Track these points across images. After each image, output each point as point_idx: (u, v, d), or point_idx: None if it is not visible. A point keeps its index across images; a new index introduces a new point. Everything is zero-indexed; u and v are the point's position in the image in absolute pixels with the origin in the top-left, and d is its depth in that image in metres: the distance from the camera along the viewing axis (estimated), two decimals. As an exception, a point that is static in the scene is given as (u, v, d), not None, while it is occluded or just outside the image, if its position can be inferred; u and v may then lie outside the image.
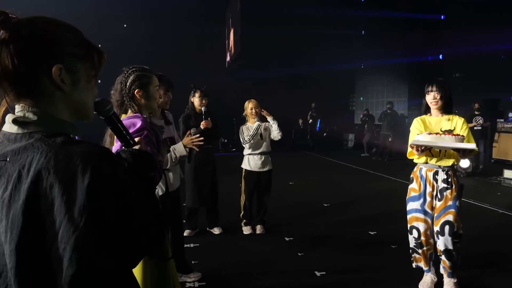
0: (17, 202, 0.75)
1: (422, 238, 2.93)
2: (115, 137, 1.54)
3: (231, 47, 15.09)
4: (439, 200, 2.86)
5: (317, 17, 14.31)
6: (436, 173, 2.86)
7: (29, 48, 0.81)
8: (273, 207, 4.71)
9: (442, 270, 2.97)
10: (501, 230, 4.77)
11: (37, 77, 0.83)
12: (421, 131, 2.93)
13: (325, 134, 14.43)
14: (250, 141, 4.24)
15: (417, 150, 2.75)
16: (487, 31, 11.62)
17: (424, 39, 14.48)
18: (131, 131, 1.53)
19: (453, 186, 2.84)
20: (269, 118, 4.31)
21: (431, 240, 2.94)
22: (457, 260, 2.88)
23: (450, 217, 2.82)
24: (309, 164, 10.60)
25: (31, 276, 0.75)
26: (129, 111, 1.86)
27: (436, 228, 2.86)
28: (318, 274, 3.38)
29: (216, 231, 4.39)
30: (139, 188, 0.94)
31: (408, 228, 3.01)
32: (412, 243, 3.02)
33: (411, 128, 3.03)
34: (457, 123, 2.87)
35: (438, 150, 2.83)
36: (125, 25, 13.77)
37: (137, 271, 1.76)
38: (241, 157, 4.49)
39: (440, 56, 14.74)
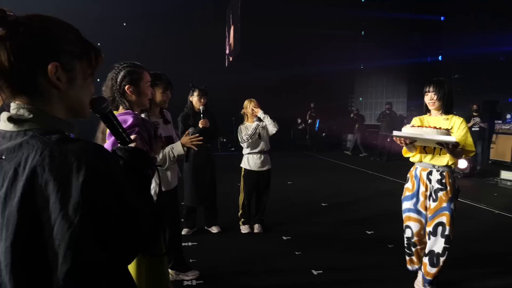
0: (13, 200, 0.76)
1: (415, 238, 2.93)
2: (107, 134, 1.55)
3: (231, 46, 15.09)
4: (434, 200, 2.83)
5: (317, 17, 14.33)
6: (430, 173, 2.85)
7: (25, 45, 0.82)
8: (272, 207, 4.73)
9: (419, 280, 2.96)
10: (497, 231, 4.79)
11: (33, 74, 0.83)
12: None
13: (324, 134, 14.45)
14: (248, 140, 4.25)
15: (402, 144, 2.73)
16: (486, 33, 11.65)
17: (424, 40, 14.50)
18: None
19: (448, 188, 2.80)
20: (260, 113, 4.26)
21: (425, 239, 2.94)
22: (439, 269, 2.83)
23: (443, 219, 2.80)
24: (308, 164, 10.62)
25: (27, 273, 0.75)
26: (120, 107, 1.86)
27: (429, 229, 2.85)
28: (315, 272, 3.39)
29: (214, 230, 4.40)
30: (134, 185, 0.96)
31: (403, 227, 3.02)
32: (405, 242, 3.02)
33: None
34: (455, 122, 2.84)
35: (432, 147, 2.81)
36: (124, 24, 13.78)
37: (131, 267, 1.77)
38: (240, 157, 4.51)
39: (440, 57, 14.76)
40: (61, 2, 10.94)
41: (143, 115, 2.46)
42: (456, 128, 2.82)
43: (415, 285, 3.05)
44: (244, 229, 4.43)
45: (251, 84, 13.31)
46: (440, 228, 2.81)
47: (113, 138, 1.17)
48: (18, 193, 0.75)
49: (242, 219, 4.46)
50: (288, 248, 4.01)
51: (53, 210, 0.74)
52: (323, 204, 5.84)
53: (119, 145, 1.13)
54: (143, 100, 1.91)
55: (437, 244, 2.82)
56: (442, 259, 2.82)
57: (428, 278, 2.88)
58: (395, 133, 2.71)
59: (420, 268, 3.00)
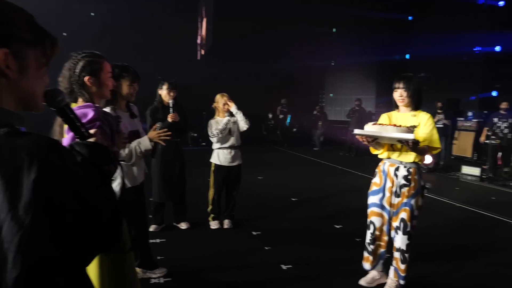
0: None
1: (377, 233, 2.96)
2: (66, 127, 1.47)
3: (203, 38, 14.89)
4: (397, 196, 2.87)
5: (290, 13, 14.35)
6: (397, 168, 2.87)
7: None
8: (242, 202, 4.71)
9: (391, 272, 2.98)
10: (459, 223, 4.98)
11: None
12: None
13: (295, 129, 14.55)
14: (218, 135, 4.21)
15: (365, 142, 2.74)
16: (450, 33, 12.05)
17: (393, 38, 14.84)
18: (82, 121, 1.47)
19: (412, 184, 2.84)
20: (233, 108, 4.24)
21: (385, 238, 2.97)
22: (408, 264, 2.89)
23: (404, 215, 2.84)
24: (278, 159, 10.67)
25: None
26: (80, 99, 1.77)
27: (396, 224, 2.89)
28: (284, 267, 3.41)
29: (183, 226, 4.34)
30: (93, 182, 0.91)
31: (367, 223, 3.03)
32: (367, 239, 3.04)
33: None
34: (422, 119, 2.85)
35: (400, 145, 2.83)
36: (92, 14, 13.31)
37: (92, 266, 1.70)
38: (210, 151, 4.46)
39: (407, 56, 15.16)
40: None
41: (108, 109, 2.38)
42: (423, 124, 2.84)
43: (360, 281, 3.06)
44: (214, 224, 4.39)
45: (223, 78, 13.22)
46: (402, 224, 2.86)
47: (72, 132, 1.11)
48: None
49: (212, 215, 4.43)
50: (258, 243, 4.02)
51: (1, 210, 0.68)
52: (293, 199, 5.89)
53: (77, 140, 1.07)
54: (104, 92, 1.82)
55: (401, 241, 2.88)
56: (407, 255, 2.88)
57: (402, 274, 2.92)
58: (356, 131, 2.73)
59: (373, 269, 3.05)
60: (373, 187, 3.02)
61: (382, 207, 2.94)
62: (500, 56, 11.68)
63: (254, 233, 4.31)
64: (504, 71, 11.59)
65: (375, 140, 2.77)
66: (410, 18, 15.16)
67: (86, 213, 0.77)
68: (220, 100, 4.28)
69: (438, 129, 3.21)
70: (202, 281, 3.18)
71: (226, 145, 4.29)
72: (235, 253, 3.73)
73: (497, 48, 11.76)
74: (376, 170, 3.05)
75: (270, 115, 14.73)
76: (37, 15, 0.87)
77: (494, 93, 11.82)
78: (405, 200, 2.86)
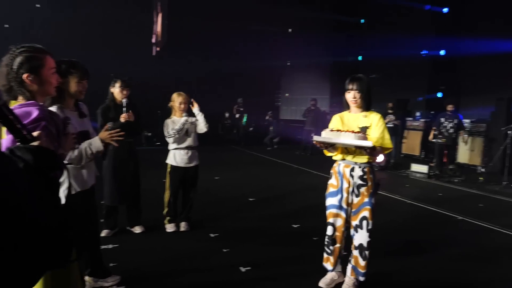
0: None
1: (337, 233, 2.99)
2: (5, 129, 1.32)
3: (158, 35, 14.48)
4: (356, 196, 2.92)
5: (246, 12, 14.32)
6: (352, 169, 2.92)
7: None
8: (198, 203, 4.60)
9: (349, 271, 3.02)
10: (410, 220, 5.18)
11: None
12: (338, 127, 2.96)
13: (251, 128, 14.56)
14: (175, 135, 4.09)
15: (322, 147, 2.78)
16: (399, 37, 12.58)
17: (346, 40, 15.26)
18: (25, 121, 1.31)
19: (369, 183, 2.91)
20: (195, 109, 4.18)
21: (344, 237, 3.01)
22: (368, 261, 2.95)
23: (366, 214, 2.90)
24: (235, 159, 10.62)
25: None
26: (20, 97, 1.61)
27: (355, 222, 2.94)
28: (243, 269, 3.36)
29: (138, 229, 4.16)
30: (39, 192, 0.80)
31: (327, 225, 3.05)
32: (327, 239, 3.06)
33: (329, 125, 3.04)
34: (374, 119, 2.91)
35: (353, 148, 2.87)
36: (38, 5, 12.51)
37: None
38: (166, 151, 4.31)
39: (360, 58, 15.65)
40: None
41: (54, 108, 2.21)
42: (375, 125, 2.90)
43: (319, 283, 3.07)
44: (170, 227, 4.26)
45: (179, 76, 12.94)
46: (364, 222, 2.93)
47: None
48: None
49: (168, 217, 4.29)
50: (215, 245, 3.94)
51: None
52: (250, 199, 5.86)
53: (18, 144, 0.95)
54: (47, 89, 1.67)
55: (363, 238, 2.94)
56: (367, 252, 2.94)
57: (362, 270, 2.97)
58: (315, 138, 2.75)
59: (334, 269, 3.08)
60: (330, 189, 3.04)
61: (340, 207, 2.98)
62: (445, 60, 12.36)
63: (211, 235, 4.23)
64: (448, 73, 12.28)
65: (332, 146, 2.80)
66: (362, 21, 15.66)
67: (27, 232, 0.67)
68: (176, 99, 4.15)
69: (389, 128, 3.30)
70: (158, 287, 3.06)
71: (183, 145, 4.17)
72: (193, 257, 3.64)
73: (442, 52, 12.43)
74: (331, 171, 3.07)
75: (227, 114, 14.65)
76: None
77: (439, 94, 12.48)
78: (365, 200, 2.92)
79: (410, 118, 11.77)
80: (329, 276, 3.12)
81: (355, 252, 2.98)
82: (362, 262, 2.96)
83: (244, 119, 14.02)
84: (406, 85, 13.04)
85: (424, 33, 12.62)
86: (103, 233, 3.92)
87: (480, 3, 11.48)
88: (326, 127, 2.98)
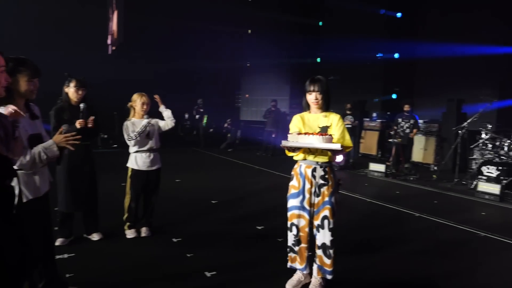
0: None
1: (301, 233, 2.98)
2: None
3: (114, 33, 13.98)
4: (317, 196, 2.93)
5: (205, 12, 14.18)
6: (314, 169, 2.93)
7: None
8: (159, 207, 4.44)
9: (315, 271, 3.03)
10: (370, 217, 5.31)
11: None
12: (299, 127, 2.98)
13: (211, 130, 14.41)
14: (136, 138, 3.93)
15: (288, 150, 2.79)
16: (356, 40, 12.95)
17: (305, 42, 15.50)
18: None
19: (330, 183, 2.94)
20: (162, 107, 4.12)
21: (308, 238, 3.00)
22: (333, 259, 2.97)
23: (327, 213, 2.92)
24: (196, 161, 10.46)
25: None
26: None
27: (317, 222, 2.95)
28: (208, 274, 3.28)
29: (95, 237, 3.95)
30: None
31: (288, 226, 3.03)
32: (290, 241, 3.04)
33: (290, 125, 3.05)
34: (333, 120, 2.95)
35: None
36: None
37: None
38: (123, 154, 4.14)
39: (318, 59, 15.94)
40: None
41: (2, 109, 2.03)
42: (335, 125, 2.94)
43: (287, 284, 3.06)
44: (130, 233, 4.08)
45: (136, 76, 12.57)
46: (326, 222, 2.94)
47: None
48: None
49: (128, 223, 4.10)
50: (179, 250, 3.82)
51: None
52: (213, 202, 5.76)
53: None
54: None
55: (326, 237, 2.95)
56: (331, 251, 2.95)
57: (328, 269, 2.98)
58: (284, 143, 2.74)
59: (304, 269, 3.07)
60: (292, 190, 3.03)
61: (302, 208, 2.97)
62: (399, 62, 12.87)
63: (174, 239, 4.10)
64: (401, 76, 12.80)
65: (298, 148, 2.81)
66: (320, 23, 15.97)
67: None
68: (138, 100, 3.99)
69: (348, 129, 3.34)
70: (119, 298, 2.92)
71: (145, 148, 4.01)
72: (155, 263, 3.50)
73: (396, 55, 12.92)
74: (293, 173, 3.06)
75: (186, 115, 14.42)
76: None
77: (394, 96, 12.97)
78: (326, 199, 2.93)
79: (367, 119, 12.14)
80: (296, 277, 3.11)
81: (319, 252, 2.99)
82: (327, 261, 2.97)
83: (205, 120, 13.84)
84: (363, 87, 13.45)
85: (379, 37, 13.09)
86: (58, 242, 3.69)
87: (432, 9, 12.06)
88: (287, 128, 3.00)
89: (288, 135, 2.82)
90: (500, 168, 6.92)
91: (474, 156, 8.22)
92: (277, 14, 15.05)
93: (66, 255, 3.54)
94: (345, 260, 3.54)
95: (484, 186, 6.59)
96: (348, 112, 9.77)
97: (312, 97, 2.96)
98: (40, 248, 2.36)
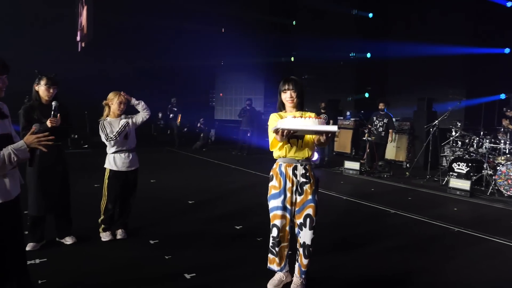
0: None
1: (281, 233, 2.95)
2: None
3: (84, 29, 13.57)
4: (300, 194, 2.91)
5: (178, 10, 13.98)
6: (295, 168, 2.91)
7: None
8: (135, 208, 4.30)
9: (296, 270, 3.02)
10: (347, 214, 5.37)
11: None
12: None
13: (185, 129, 14.23)
14: (116, 138, 3.80)
15: (282, 135, 2.61)
16: (329, 39, 13.10)
17: (279, 41, 15.55)
18: None
19: (311, 180, 2.93)
20: (133, 100, 3.98)
21: (288, 237, 2.99)
22: (310, 258, 2.97)
23: (310, 211, 2.91)
24: (170, 160, 10.29)
25: None
26: None
27: (300, 221, 2.93)
28: (188, 276, 3.21)
29: (68, 240, 3.80)
30: None
31: (270, 226, 2.99)
32: (270, 242, 3.01)
33: (269, 123, 2.98)
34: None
35: (296, 140, 2.87)
36: None
37: None
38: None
39: (292, 59, 16.03)
40: None
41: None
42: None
43: (268, 284, 3.05)
44: (105, 236, 3.95)
45: (106, 74, 12.26)
46: (308, 220, 2.93)
47: None
48: None
49: (103, 226, 3.97)
50: (156, 252, 3.73)
51: None
52: (190, 202, 5.67)
53: None
54: None
55: (307, 236, 2.93)
56: (311, 249, 2.95)
57: (304, 269, 2.98)
58: (281, 125, 2.57)
59: (281, 270, 3.05)
60: (272, 191, 2.98)
61: (284, 208, 2.94)
62: (371, 62, 13.11)
63: (151, 241, 4.00)
64: (374, 75, 13.04)
65: (294, 133, 2.68)
66: (294, 22, 16.06)
67: None
68: (115, 99, 3.86)
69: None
70: (95, 303, 2.81)
71: (124, 148, 3.90)
72: (132, 266, 3.40)
73: (368, 55, 13.15)
74: (272, 173, 3.01)
75: (160, 115, 14.18)
76: None
77: (366, 95, 13.20)
78: (309, 197, 2.92)
79: (341, 117, 12.31)
80: (277, 277, 3.09)
81: (301, 250, 2.98)
82: (304, 261, 2.97)
83: (178, 120, 13.66)
84: (336, 86, 13.63)
85: (351, 36, 13.29)
86: (29, 246, 3.52)
87: (402, 9, 12.34)
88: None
89: (279, 122, 2.64)
90: (469, 164, 7.16)
91: (445, 153, 8.48)
92: (251, 13, 15.03)
93: (37, 260, 3.38)
94: (324, 259, 3.56)
95: (455, 182, 6.80)
96: (322, 111, 9.86)
97: (287, 95, 2.94)
98: (12, 254, 2.23)
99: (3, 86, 2.18)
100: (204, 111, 15.53)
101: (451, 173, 7.36)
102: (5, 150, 2.02)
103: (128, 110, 4.03)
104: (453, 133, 7.85)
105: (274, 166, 3.02)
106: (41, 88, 3.47)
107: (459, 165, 7.31)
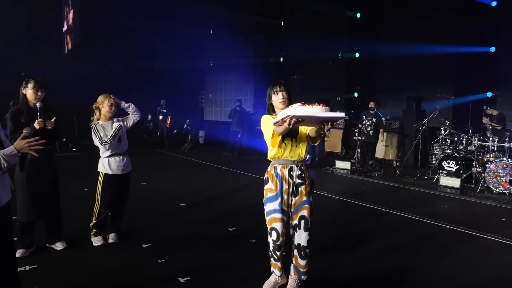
0: None
1: (281, 239, 2.91)
2: None
3: (70, 30, 13.39)
4: (295, 196, 2.90)
5: (166, 11, 13.90)
6: (291, 169, 2.89)
7: None
8: (126, 212, 4.25)
9: (292, 271, 3.01)
10: (339, 214, 5.38)
11: None
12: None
13: (175, 131, 14.14)
14: (111, 142, 3.75)
15: (289, 124, 2.50)
16: (318, 39, 13.16)
17: (267, 41, 15.56)
18: None
19: (307, 182, 2.92)
20: (123, 103, 3.93)
21: (283, 239, 2.96)
22: (308, 259, 2.96)
23: (305, 212, 2.90)
24: (161, 163, 10.21)
25: None
26: None
27: (295, 222, 2.92)
28: (182, 280, 3.17)
29: (59, 246, 3.73)
30: None
31: (268, 230, 2.96)
32: (271, 246, 2.98)
33: (265, 121, 2.94)
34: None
35: (290, 139, 2.85)
36: None
37: None
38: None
39: (281, 59, 16.05)
40: None
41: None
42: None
43: (264, 286, 3.02)
44: (97, 241, 3.88)
45: (94, 77, 12.12)
46: (303, 222, 2.91)
47: None
48: None
49: (95, 230, 3.91)
50: (149, 256, 3.68)
51: None
52: (181, 204, 5.62)
53: None
54: None
55: (302, 237, 2.92)
56: (307, 250, 2.94)
57: (302, 270, 2.97)
58: (295, 112, 2.42)
59: (281, 275, 3.04)
60: (268, 194, 2.94)
61: (282, 211, 2.91)
62: (359, 62, 13.19)
63: (144, 245, 3.95)
64: (363, 75, 13.13)
65: (301, 122, 2.58)
66: (282, 23, 16.09)
67: None
68: (106, 102, 3.80)
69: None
70: (88, 310, 2.76)
71: (119, 151, 3.86)
72: (125, 271, 3.35)
73: (357, 55, 13.23)
74: (267, 176, 2.98)
75: (149, 117, 14.07)
76: None
77: (355, 94, 13.27)
78: (304, 198, 2.91)
79: (331, 117, 12.33)
80: (273, 279, 3.07)
81: (295, 252, 2.97)
82: (302, 262, 2.96)
83: (168, 121, 13.57)
84: (326, 86, 13.69)
85: (340, 36, 13.36)
86: (18, 253, 3.44)
87: (389, 9, 12.45)
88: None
89: (281, 113, 2.56)
90: (459, 162, 7.24)
91: (435, 152, 8.56)
92: (240, 14, 15.01)
93: (27, 267, 3.31)
94: (318, 259, 3.55)
95: (445, 180, 6.86)
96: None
97: (279, 97, 2.92)
98: (4, 262, 2.17)
99: None
100: (193, 112, 15.45)
101: (441, 171, 7.43)
102: (-6, 156, 1.97)
103: (118, 113, 3.98)
104: (442, 132, 7.93)
105: (269, 168, 2.98)
106: (29, 91, 3.40)
107: (448, 163, 7.39)
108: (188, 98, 16.00)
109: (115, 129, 3.78)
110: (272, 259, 3.02)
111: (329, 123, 2.62)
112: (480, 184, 6.84)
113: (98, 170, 3.89)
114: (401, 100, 10.75)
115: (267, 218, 2.95)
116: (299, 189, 2.91)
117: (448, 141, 7.95)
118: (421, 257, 3.82)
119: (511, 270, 3.60)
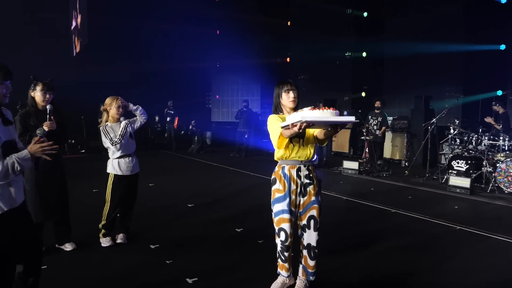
0: None
1: (290, 239, 2.90)
2: None
3: (79, 33, 13.50)
4: (303, 196, 2.89)
5: (172, 13, 13.95)
6: (299, 169, 2.87)
7: None
8: (134, 213, 4.28)
9: (300, 271, 3.00)
10: (348, 215, 5.34)
11: None
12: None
13: (182, 132, 14.18)
14: (121, 141, 3.78)
15: (299, 128, 2.45)
16: (325, 39, 13.10)
17: (274, 42, 15.54)
18: None
19: (315, 181, 2.91)
20: (131, 106, 3.97)
21: (292, 240, 2.94)
22: (317, 260, 2.95)
23: (314, 212, 2.89)
24: (169, 164, 10.24)
25: None
26: None
27: (303, 222, 2.91)
28: (190, 281, 3.18)
29: (68, 247, 3.76)
30: None
31: (276, 231, 2.94)
32: (279, 247, 2.96)
33: (272, 122, 2.89)
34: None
35: (297, 139, 2.83)
36: None
37: None
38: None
39: (288, 59, 16.02)
40: None
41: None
42: None
43: (272, 286, 3.01)
44: (106, 241, 3.91)
45: (102, 79, 12.21)
46: (312, 222, 2.90)
47: None
48: None
49: (103, 231, 3.93)
50: (157, 257, 3.69)
51: None
52: (189, 205, 5.64)
53: None
54: None
55: (312, 238, 2.91)
56: (316, 251, 2.93)
57: (311, 270, 2.96)
58: (305, 117, 2.38)
59: (289, 276, 3.02)
60: (276, 194, 2.92)
61: (290, 212, 2.89)
62: (367, 61, 13.11)
63: (152, 246, 3.96)
64: (370, 74, 13.05)
65: (311, 126, 2.59)
66: (289, 23, 16.07)
67: None
68: (114, 104, 3.84)
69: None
70: (97, 311, 2.77)
71: (128, 152, 3.90)
72: (134, 272, 3.36)
73: (364, 54, 13.16)
74: (274, 176, 2.96)
75: (157, 118, 14.13)
76: None
77: (363, 94, 13.20)
78: (313, 198, 2.90)
79: (338, 117, 12.27)
80: (280, 280, 3.06)
81: (305, 252, 2.95)
82: (311, 262, 2.94)
83: (175, 122, 13.62)
84: (333, 86, 13.63)
85: (346, 36, 13.30)
86: (27, 254, 3.48)
87: (396, 8, 12.36)
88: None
89: (291, 117, 2.53)
90: (469, 162, 7.16)
91: (444, 151, 8.47)
92: (246, 15, 15.02)
93: (37, 269, 3.33)
94: (326, 260, 3.52)
95: (454, 180, 6.79)
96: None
97: (290, 96, 2.90)
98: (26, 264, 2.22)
99: (7, 92, 2.14)
100: (200, 113, 15.49)
101: (450, 171, 7.35)
102: (8, 159, 1.99)
103: (125, 115, 4.01)
104: (451, 131, 7.85)
105: (276, 169, 2.96)
106: (37, 94, 3.43)
107: (458, 162, 7.31)
108: (195, 99, 16.04)
109: (123, 127, 3.82)
110: (279, 260, 3.01)
111: (339, 127, 2.61)
112: (491, 184, 6.76)
113: (108, 171, 3.91)
114: (409, 99, 10.66)
115: (275, 219, 2.94)
116: (308, 189, 2.89)
117: (458, 140, 7.86)
118: (431, 257, 3.78)
119: (523, 271, 3.55)
